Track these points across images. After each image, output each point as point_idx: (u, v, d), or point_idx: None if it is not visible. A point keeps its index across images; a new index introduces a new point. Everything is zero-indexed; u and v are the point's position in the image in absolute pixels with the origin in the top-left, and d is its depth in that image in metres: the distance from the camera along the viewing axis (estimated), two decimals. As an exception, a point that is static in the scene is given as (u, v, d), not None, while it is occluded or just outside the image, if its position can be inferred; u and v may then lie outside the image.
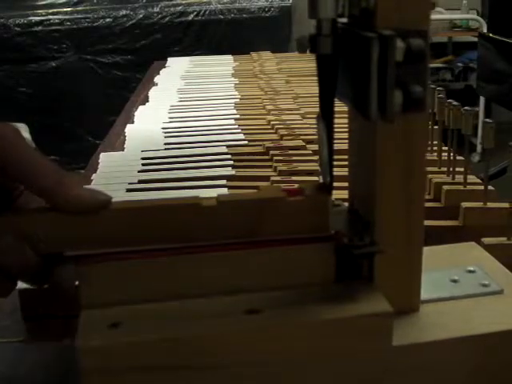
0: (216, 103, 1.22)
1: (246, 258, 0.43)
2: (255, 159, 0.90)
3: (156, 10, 3.11)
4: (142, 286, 0.42)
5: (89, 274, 0.41)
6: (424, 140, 0.43)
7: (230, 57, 1.70)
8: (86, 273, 0.41)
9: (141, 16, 3.10)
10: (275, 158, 0.88)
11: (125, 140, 1.03)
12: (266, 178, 0.81)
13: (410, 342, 0.42)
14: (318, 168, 0.82)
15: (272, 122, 1.05)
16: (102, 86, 3.06)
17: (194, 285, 0.42)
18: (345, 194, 0.49)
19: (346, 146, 0.48)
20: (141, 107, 1.24)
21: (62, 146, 3.06)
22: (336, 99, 0.43)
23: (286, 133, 0.98)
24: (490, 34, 2.50)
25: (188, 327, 0.40)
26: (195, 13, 3.09)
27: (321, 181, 0.45)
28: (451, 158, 0.77)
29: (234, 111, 1.15)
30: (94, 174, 0.86)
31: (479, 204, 0.69)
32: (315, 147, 0.90)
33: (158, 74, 1.56)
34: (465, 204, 0.69)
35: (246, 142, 0.97)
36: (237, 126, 1.06)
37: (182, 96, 1.30)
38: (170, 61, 1.72)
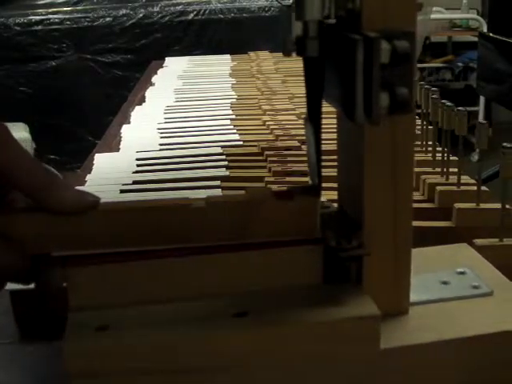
0: (212, 103, 1.22)
1: (234, 261, 0.43)
2: (250, 160, 0.90)
3: (156, 9, 3.11)
4: (129, 288, 0.42)
5: (77, 276, 0.41)
6: (411, 141, 0.42)
7: (227, 56, 1.70)
8: (73, 274, 0.41)
9: (141, 15, 3.09)
10: (270, 158, 0.87)
11: (121, 140, 1.03)
12: (261, 179, 0.81)
13: (397, 345, 0.42)
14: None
15: (267, 123, 1.05)
16: (101, 86, 3.06)
17: (181, 287, 0.42)
18: (335, 195, 0.49)
19: (335, 147, 0.47)
20: (137, 107, 1.23)
21: (61, 146, 3.06)
22: (324, 101, 0.43)
23: (281, 133, 0.98)
24: (490, 34, 2.50)
25: (176, 330, 0.40)
26: (195, 12, 3.09)
27: (310, 182, 0.45)
28: (445, 158, 0.77)
29: (230, 111, 1.15)
30: (88, 175, 0.86)
31: (472, 205, 0.69)
32: (310, 148, 0.89)
33: (156, 73, 1.55)
34: (457, 205, 0.69)
35: (241, 143, 0.97)
36: (232, 127, 1.05)
37: (178, 96, 1.30)
38: (168, 60, 1.72)
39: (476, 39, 2.59)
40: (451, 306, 0.47)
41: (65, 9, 3.13)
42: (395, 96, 0.37)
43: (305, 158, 0.86)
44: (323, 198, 0.49)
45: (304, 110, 1.13)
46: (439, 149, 0.80)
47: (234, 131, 1.03)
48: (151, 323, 0.40)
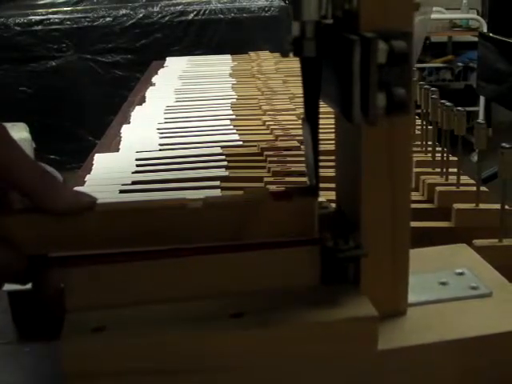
0: (212, 103, 1.22)
1: (231, 261, 0.43)
2: (249, 160, 0.90)
3: (156, 9, 3.11)
4: (126, 289, 0.42)
5: (73, 277, 0.41)
6: (408, 141, 0.42)
7: (228, 56, 1.70)
8: (70, 275, 0.41)
9: (141, 15, 3.09)
10: (269, 158, 0.87)
11: (121, 140, 1.03)
12: (260, 179, 0.81)
13: (396, 346, 0.42)
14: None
15: (267, 123, 1.05)
16: (101, 86, 3.06)
17: (178, 288, 0.42)
18: (333, 195, 0.49)
19: (333, 147, 0.47)
20: (137, 107, 1.23)
21: (62, 146, 3.06)
22: (321, 101, 0.43)
23: (281, 133, 0.98)
24: (490, 34, 2.50)
25: (173, 331, 0.40)
26: (195, 12, 3.09)
27: (308, 182, 0.45)
28: (445, 158, 0.77)
29: (230, 111, 1.15)
30: (87, 175, 0.86)
31: (471, 205, 0.68)
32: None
33: (156, 73, 1.55)
34: (457, 205, 0.69)
35: (240, 143, 0.97)
36: (232, 127, 1.05)
37: (178, 96, 1.29)
38: (169, 60, 1.71)
39: (476, 39, 2.59)
40: (450, 306, 0.46)
41: (65, 9, 3.14)
42: (392, 96, 0.37)
43: (304, 159, 0.86)
44: (322, 199, 0.49)
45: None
46: (439, 149, 0.80)
47: (234, 131, 1.03)
48: (148, 324, 0.40)
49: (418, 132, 0.88)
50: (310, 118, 0.43)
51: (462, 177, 0.74)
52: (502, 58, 2.24)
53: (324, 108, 0.44)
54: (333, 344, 0.40)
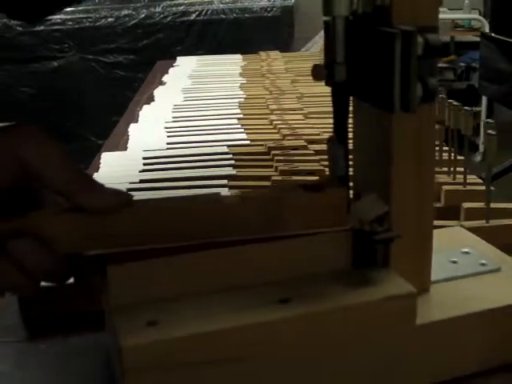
0: (221, 102, 1.22)
1: (272, 250, 0.44)
2: (257, 159, 0.90)
3: (158, 9, 3.11)
4: (171, 282, 0.42)
5: (118, 274, 0.41)
6: (433, 127, 0.45)
7: (238, 56, 1.70)
8: (115, 272, 0.41)
9: (143, 16, 3.10)
10: (276, 157, 0.88)
11: (128, 139, 1.04)
12: (267, 178, 0.81)
13: (430, 321, 0.45)
14: (319, 168, 0.82)
15: (274, 122, 1.05)
16: (104, 86, 3.06)
17: (223, 278, 0.43)
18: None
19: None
20: (145, 106, 1.24)
21: (63, 146, 3.05)
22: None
23: (288, 132, 0.98)
24: (492, 34, 2.50)
25: (227, 320, 0.40)
26: (197, 12, 3.10)
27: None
28: (452, 157, 0.77)
29: (238, 110, 1.15)
30: (95, 174, 0.86)
31: (480, 204, 0.69)
32: (317, 147, 0.90)
33: (167, 73, 1.55)
34: (466, 204, 0.69)
35: (247, 142, 0.98)
36: (239, 126, 1.06)
37: (187, 95, 1.30)
38: (179, 60, 1.71)
39: (478, 39, 2.59)
40: (466, 282, 0.49)
41: (67, 9, 3.14)
42: (427, 86, 0.39)
43: (311, 157, 0.86)
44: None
45: (312, 110, 1.14)
46: (445, 148, 0.80)
47: (242, 130, 1.03)
48: (200, 315, 0.41)
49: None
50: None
51: (468, 176, 0.75)
52: (504, 58, 2.25)
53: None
54: (377, 321, 0.42)
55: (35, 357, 0.51)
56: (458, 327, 0.45)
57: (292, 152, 0.89)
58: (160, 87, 1.41)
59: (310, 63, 1.50)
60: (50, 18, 3.07)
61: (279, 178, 0.81)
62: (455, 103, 0.74)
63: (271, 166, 0.86)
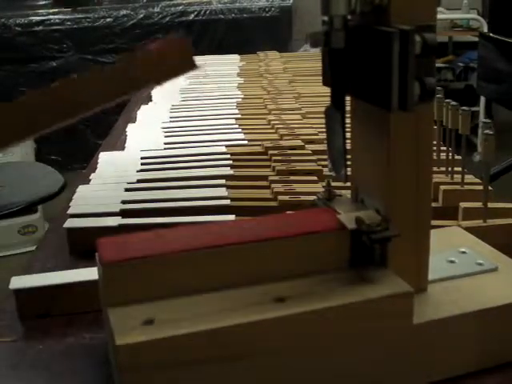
0: (218, 103, 1.22)
1: (267, 250, 0.44)
2: (254, 159, 0.90)
3: (156, 9, 3.11)
4: (167, 282, 0.43)
5: (114, 272, 0.42)
6: (431, 126, 0.45)
7: (236, 56, 1.70)
8: (110, 271, 0.41)
9: (141, 16, 3.10)
10: (274, 157, 0.88)
11: (126, 139, 1.03)
12: (265, 178, 0.81)
13: (426, 320, 0.45)
14: (316, 168, 0.82)
15: (272, 122, 1.05)
16: (102, 86, 3.06)
17: (219, 277, 0.43)
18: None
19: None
20: (143, 106, 1.24)
21: (63, 146, 3.06)
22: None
23: (285, 132, 0.98)
24: (491, 34, 2.50)
25: (223, 319, 0.40)
26: (196, 13, 3.10)
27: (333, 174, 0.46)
28: (449, 157, 0.77)
29: (236, 111, 1.15)
30: (92, 174, 0.86)
31: (478, 204, 0.69)
32: (314, 147, 0.90)
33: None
34: (464, 204, 0.69)
35: (245, 142, 0.97)
36: (237, 126, 1.06)
37: (185, 95, 1.30)
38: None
39: (476, 39, 2.59)
40: (463, 282, 0.50)
41: (65, 9, 3.13)
42: (425, 85, 0.40)
43: (309, 157, 0.86)
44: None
45: (309, 110, 1.13)
46: (443, 148, 0.80)
47: (239, 130, 1.03)
48: (196, 314, 0.41)
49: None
50: (339, 106, 0.44)
51: (466, 176, 0.75)
52: (502, 58, 2.25)
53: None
54: (374, 320, 0.43)
55: (31, 357, 0.51)
56: (455, 326, 0.46)
57: (289, 152, 0.89)
58: (158, 87, 1.40)
59: (308, 63, 1.51)
60: (48, 18, 3.07)
61: (276, 177, 0.81)
62: (453, 103, 0.74)
63: (269, 166, 0.86)
